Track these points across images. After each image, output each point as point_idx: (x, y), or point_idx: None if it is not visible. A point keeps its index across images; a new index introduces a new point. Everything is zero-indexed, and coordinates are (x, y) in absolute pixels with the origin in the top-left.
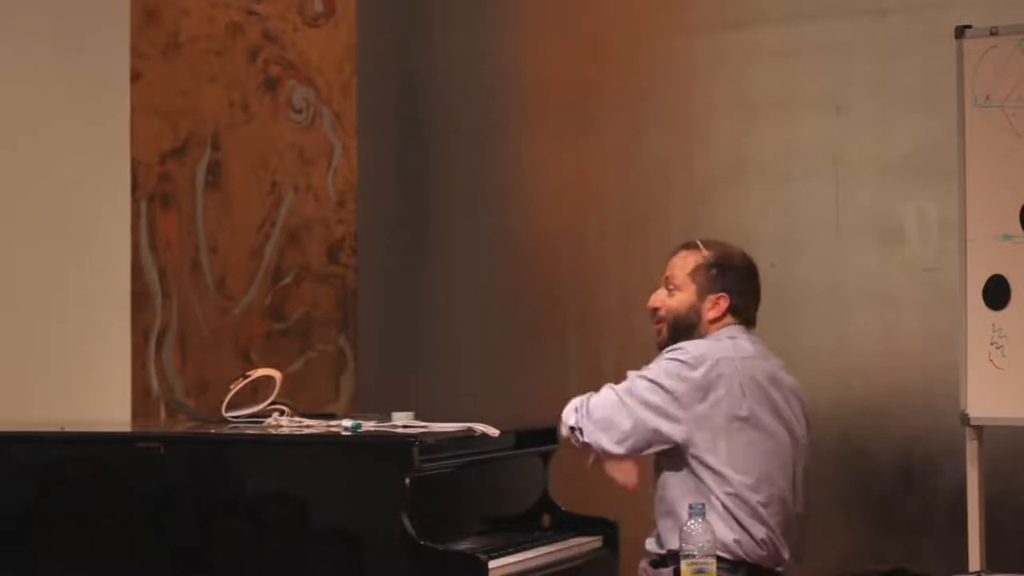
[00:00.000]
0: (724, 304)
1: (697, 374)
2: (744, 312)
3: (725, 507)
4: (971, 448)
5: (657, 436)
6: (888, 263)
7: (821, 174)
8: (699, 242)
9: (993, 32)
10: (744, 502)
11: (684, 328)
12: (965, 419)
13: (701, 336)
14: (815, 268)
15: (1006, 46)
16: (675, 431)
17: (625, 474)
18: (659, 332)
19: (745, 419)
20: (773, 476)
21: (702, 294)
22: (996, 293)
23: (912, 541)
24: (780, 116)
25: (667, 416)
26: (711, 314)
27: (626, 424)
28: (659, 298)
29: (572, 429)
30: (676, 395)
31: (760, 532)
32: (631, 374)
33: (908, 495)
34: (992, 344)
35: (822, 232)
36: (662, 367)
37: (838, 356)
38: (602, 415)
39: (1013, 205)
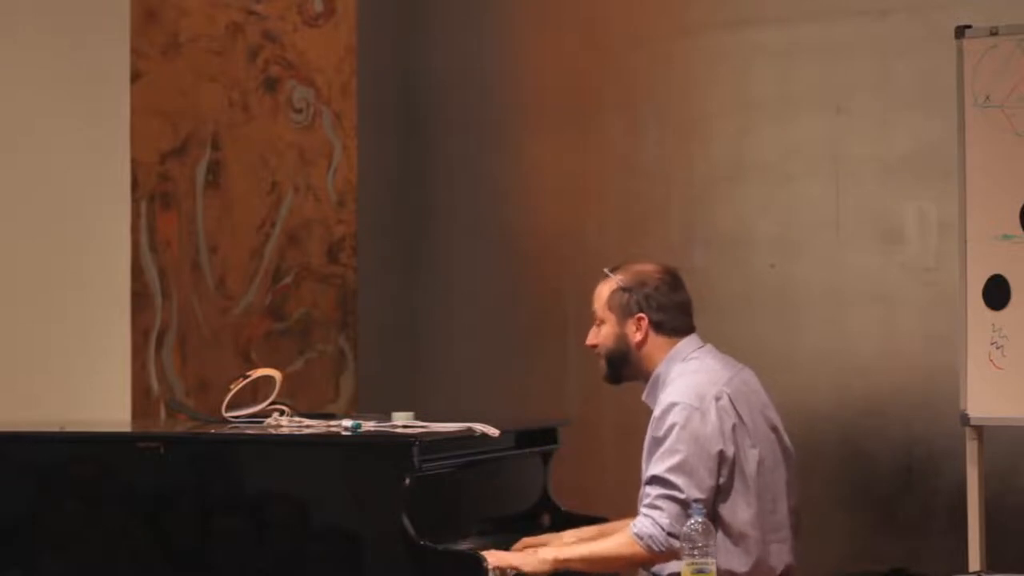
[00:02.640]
0: (644, 323)
1: (711, 425)
2: (670, 324)
3: (742, 538)
4: (971, 448)
5: (716, 471)
6: (888, 263)
7: (821, 174)
8: (607, 270)
9: (993, 32)
10: (760, 528)
11: (619, 359)
12: (965, 419)
13: (639, 361)
14: (815, 268)
15: (1006, 46)
16: (719, 447)
17: None
18: (602, 367)
19: (753, 446)
20: (778, 491)
21: (622, 321)
22: (996, 293)
23: (912, 541)
24: (780, 116)
25: (711, 448)
26: (637, 337)
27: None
28: (592, 334)
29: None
30: (705, 439)
31: (773, 551)
32: (660, 472)
33: (908, 495)
34: (992, 344)
35: (822, 232)
36: (675, 431)
37: (838, 356)
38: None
39: (1013, 205)
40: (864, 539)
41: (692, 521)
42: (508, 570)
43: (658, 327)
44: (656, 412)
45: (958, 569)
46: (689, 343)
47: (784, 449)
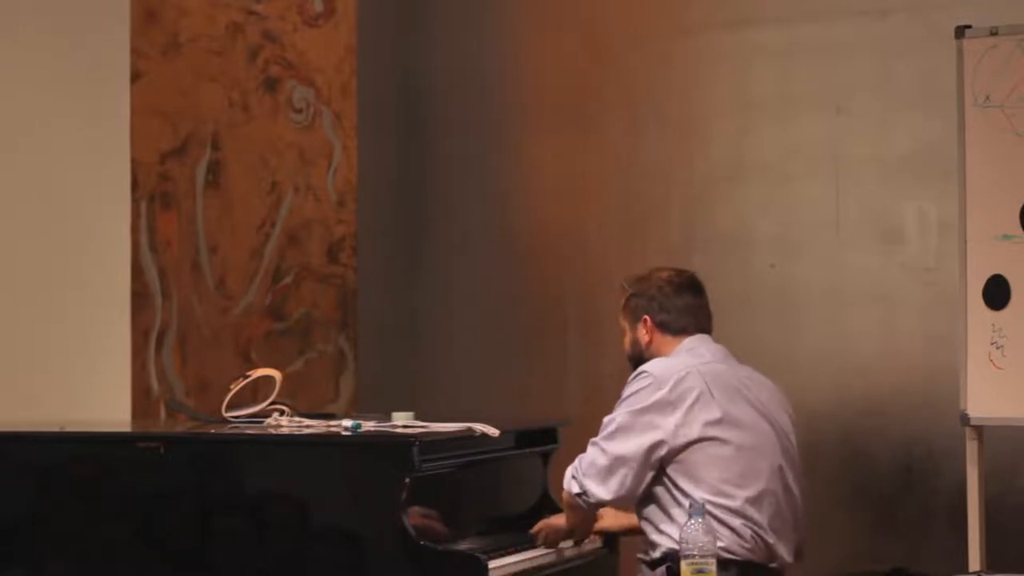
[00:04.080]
0: (648, 323)
1: (663, 391)
2: (675, 324)
3: (707, 511)
4: (971, 448)
5: (645, 456)
6: (888, 263)
7: (821, 174)
8: (622, 282)
9: (993, 32)
10: (726, 504)
11: (637, 363)
12: (965, 419)
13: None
14: (815, 268)
15: (1006, 46)
16: (657, 436)
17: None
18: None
19: (719, 421)
20: (759, 471)
21: (633, 326)
22: (996, 293)
23: (912, 541)
24: (780, 116)
25: (646, 429)
26: (645, 339)
27: (615, 467)
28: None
29: (579, 495)
30: (649, 412)
31: (746, 530)
32: (605, 419)
33: (908, 495)
34: (992, 344)
35: (822, 232)
36: (628, 396)
37: (838, 356)
38: (593, 469)
39: (1013, 205)
40: (864, 539)
41: (692, 521)
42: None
43: (662, 327)
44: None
45: (958, 569)
46: (698, 340)
47: (780, 439)
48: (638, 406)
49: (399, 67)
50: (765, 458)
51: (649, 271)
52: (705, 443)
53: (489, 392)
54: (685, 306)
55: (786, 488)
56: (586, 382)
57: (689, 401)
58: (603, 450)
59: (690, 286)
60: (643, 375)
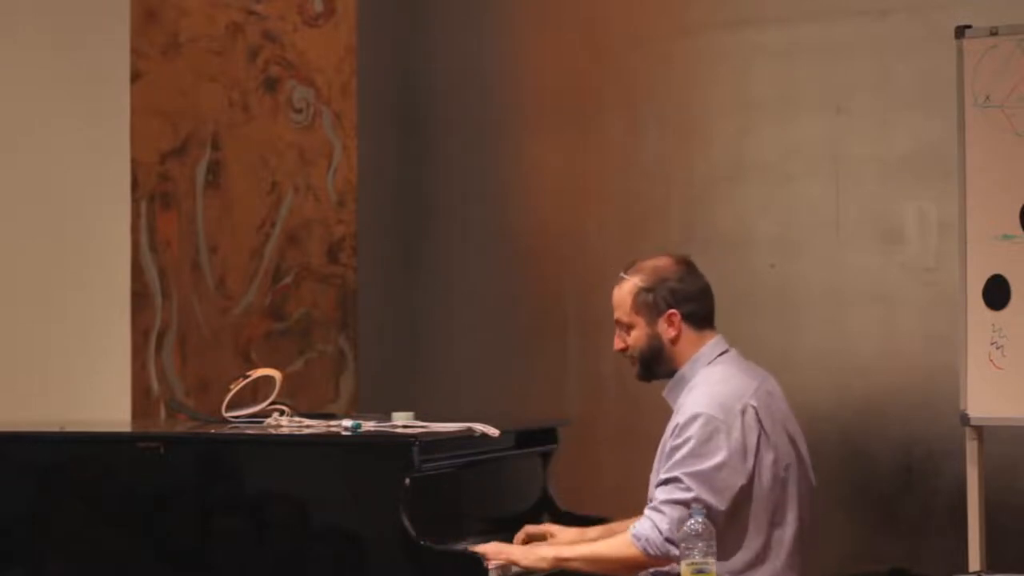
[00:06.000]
0: (676, 319)
1: (736, 437)
2: (699, 314)
3: (760, 551)
4: (971, 448)
5: (734, 491)
6: (888, 263)
7: (821, 174)
8: (623, 273)
9: (993, 32)
10: (777, 542)
11: (654, 358)
12: (965, 419)
13: (672, 358)
14: (815, 268)
15: (1006, 46)
16: (740, 481)
17: None
18: (633, 366)
19: (774, 461)
20: (796, 502)
21: (652, 321)
22: (996, 293)
23: (912, 541)
24: (780, 116)
25: (732, 479)
26: (670, 333)
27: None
28: (619, 340)
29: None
30: (727, 456)
31: (776, 564)
32: (673, 473)
33: (908, 495)
34: (992, 344)
35: (822, 232)
36: (700, 442)
37: (838, 356)
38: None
39: (1013, 205)
40: (864, 539)
41: (692, 521)
42: (508, 565)
43: (689, 318)
44: (680, 419)
45: (958, 569)
46: (715, 346)
47: (800, 462)
48: (718, 459)
49: (399, 67)
50: (798, 487)
51: (647, 259)
52: (764, 478)
53: (489, 392)
54: (702, 289)
55: (806, 515)
56: (586, 382)
57: (753, 445)
58: (708, 506)
59: (695, 267)
60: (704, 417)
